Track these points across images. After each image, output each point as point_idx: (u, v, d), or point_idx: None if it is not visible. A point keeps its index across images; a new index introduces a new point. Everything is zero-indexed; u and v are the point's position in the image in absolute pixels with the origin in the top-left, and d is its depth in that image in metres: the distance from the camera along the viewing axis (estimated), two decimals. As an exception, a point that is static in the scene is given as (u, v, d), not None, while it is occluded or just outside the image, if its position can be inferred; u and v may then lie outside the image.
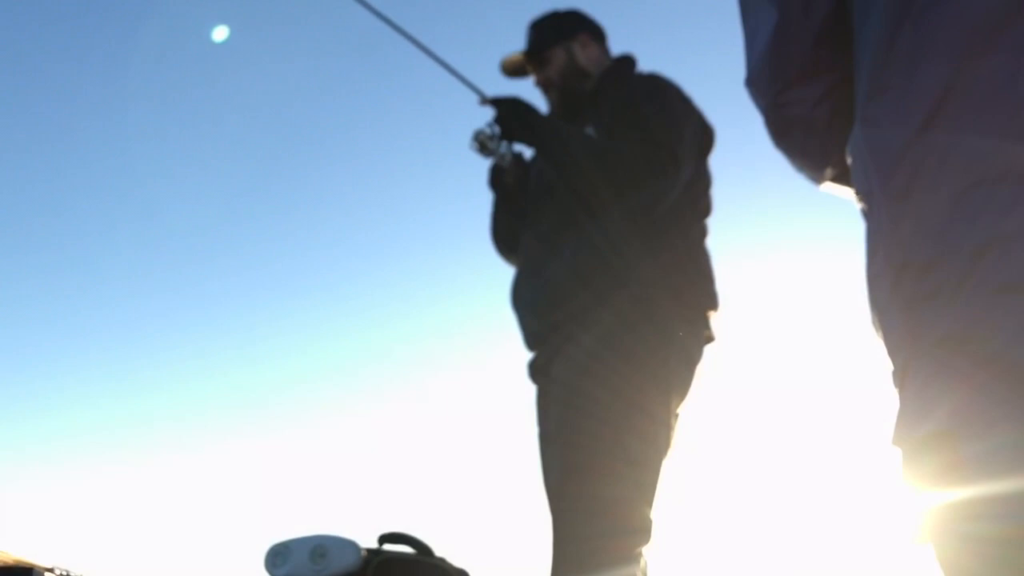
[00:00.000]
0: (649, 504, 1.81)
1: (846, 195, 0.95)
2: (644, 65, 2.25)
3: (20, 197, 6.68)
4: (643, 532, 1.79)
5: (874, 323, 0.83)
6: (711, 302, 1.98)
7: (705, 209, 2.06)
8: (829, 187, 1.03)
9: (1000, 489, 0.69)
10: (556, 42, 2.22)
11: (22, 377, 6.65)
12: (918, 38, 0.78)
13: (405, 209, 6.39)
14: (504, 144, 2.12)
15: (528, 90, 2.28)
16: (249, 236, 6.87)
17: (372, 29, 2.31)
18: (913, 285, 0.75)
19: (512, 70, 2.30)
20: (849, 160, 0.87)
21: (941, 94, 0.75)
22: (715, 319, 1.97)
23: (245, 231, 6.96)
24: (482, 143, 2.11)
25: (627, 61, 2.24)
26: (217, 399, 6.93)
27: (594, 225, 1.94)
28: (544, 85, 2.25)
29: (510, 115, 2.06)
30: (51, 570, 3.33)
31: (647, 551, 1.81)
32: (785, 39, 0.94)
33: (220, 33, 2.42)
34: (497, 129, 2.09)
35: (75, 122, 6.46)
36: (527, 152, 2.23)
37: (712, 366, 1.96)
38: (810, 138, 0.98)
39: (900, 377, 0.79)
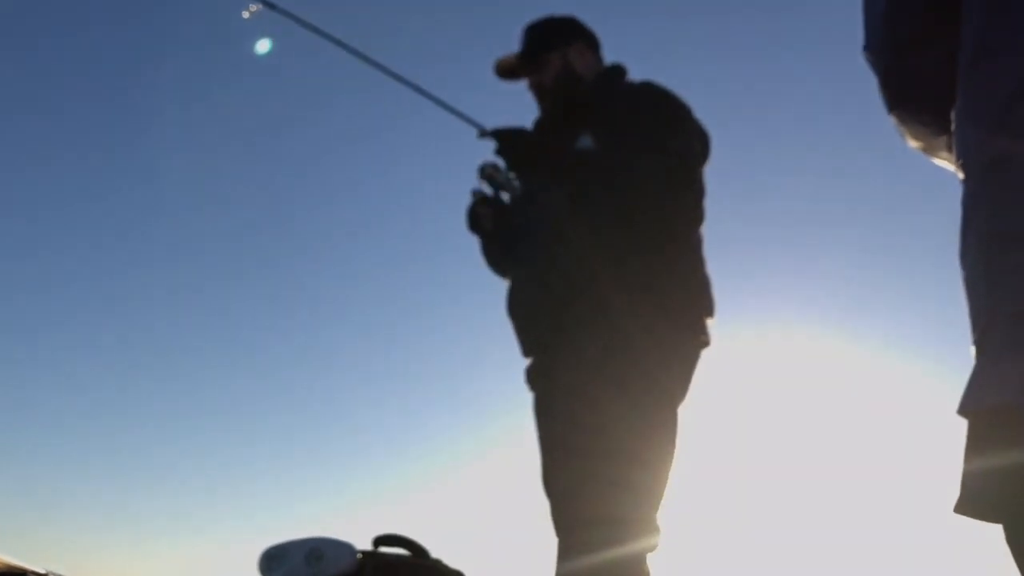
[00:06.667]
0: (650, 495, 1.81)
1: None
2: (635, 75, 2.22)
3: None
4: (644, 518, 1.79)
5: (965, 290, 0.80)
6: (708, 309, 2.00)
7: (700, 217, 2.07)
8: (943, 159, 1.00)
9: None
10: (553, 47, 2.20)
11: (20, 380, 6.63)
12: None
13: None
14: (512, 175, 2.10)
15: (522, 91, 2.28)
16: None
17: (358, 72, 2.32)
18: (999, 256, 0.73)
19: (506, 72, 2.27)
20: (953, 127, 0.85)
21: None
22: (711, 325, 1.98)
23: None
24: (490, 176, 2.10)
25: (619, 70, 2.22)
26: (214, 399, 6.92)
27: (594, 233, 1.94)
28: (537, 89, 2.22)
29: (513, 146, 2.05)
30: (44, 575, 3.31)
31: (653, 555, 1.81)
32: (899, 2, 0.94)
33: (263, 45, 2.39)
34: (502, 161, 2.08)
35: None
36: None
37: (707, 370, 1.98)
38: (928, 101, 0.96)
39: (977, 346, 0.77)
